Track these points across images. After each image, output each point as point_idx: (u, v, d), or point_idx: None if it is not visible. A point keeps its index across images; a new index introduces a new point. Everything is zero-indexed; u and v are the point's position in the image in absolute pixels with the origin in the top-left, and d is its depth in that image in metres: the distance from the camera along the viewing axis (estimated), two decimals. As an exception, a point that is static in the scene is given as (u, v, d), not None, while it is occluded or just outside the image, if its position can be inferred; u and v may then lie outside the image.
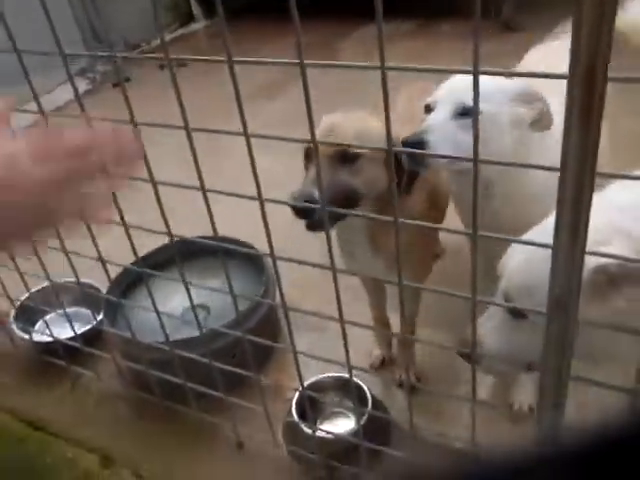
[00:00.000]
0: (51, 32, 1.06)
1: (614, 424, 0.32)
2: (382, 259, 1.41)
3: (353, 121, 1.28)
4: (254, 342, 1.34)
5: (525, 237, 0.98)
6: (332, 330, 1.47)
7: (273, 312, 1.82)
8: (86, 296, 1.83)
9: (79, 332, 1.73)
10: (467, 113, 1.19)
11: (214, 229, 1.13)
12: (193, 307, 1.32)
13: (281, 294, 1.15)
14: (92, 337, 1.82)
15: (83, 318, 1.90)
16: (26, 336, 1.86)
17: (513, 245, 1.02)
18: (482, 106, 1.12)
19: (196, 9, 4.87)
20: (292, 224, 1.23)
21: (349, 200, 1.24)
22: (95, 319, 1.83)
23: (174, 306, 1.81)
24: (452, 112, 1.22)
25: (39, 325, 1.90)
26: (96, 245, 1.34)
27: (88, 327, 1.83)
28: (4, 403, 1.80)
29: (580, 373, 0.90)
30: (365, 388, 1.46)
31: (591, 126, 0.66)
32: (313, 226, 1.21)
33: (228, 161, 1.71)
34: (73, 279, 1.53)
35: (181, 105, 0.96)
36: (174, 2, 4.78)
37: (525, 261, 0.97)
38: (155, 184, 1.12)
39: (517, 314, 0.99)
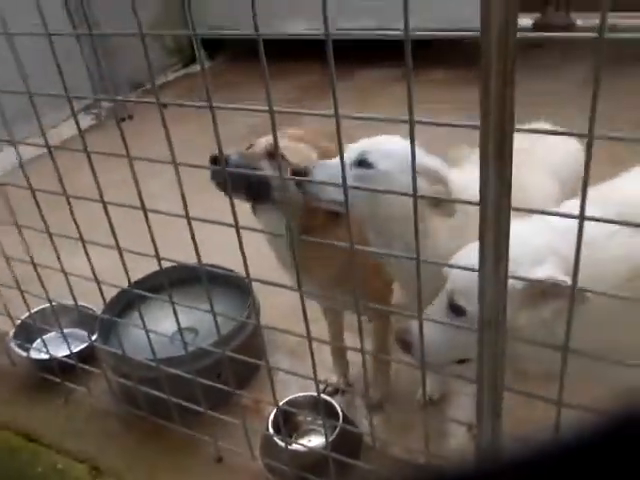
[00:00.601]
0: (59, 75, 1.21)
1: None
2: (316, 285, 1.51)
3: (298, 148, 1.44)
4: (236, 362, 1.46)
5: (459, 255, 1.12)
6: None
7: (256, 335, 1.94)
8: (83, 318, 1.96)
9: (74, 350, 1.85)
10: (363, 164, 1.27)
11: (198, 256, 1.27)
12: (179, 328, 1.45)
13: (257, 313, 1.28)
14: (86, 356, 1.93)
15: (78, 338, 2.02)
16: (24, 353, 1.98)
17: (459, 253, 1.14)
18: (382, 163, 1.24)
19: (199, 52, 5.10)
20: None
21: (260, 185, 1.37)
22: (90, 339, 1.95)
23: (165, 328, 1.92)
24: (352, 160, 1.28)
25: (37, 343, 2.02)
26: (92, 268, 1.48)
27: (83, 346, 1.95)
28: (0, 416, 1.91)
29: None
30: (336, 405, 1.58)
31: (504, 168, 0.80)
32: (221, 185, 1.31)
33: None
34: (71, 301, 1.67)
35: (169, 142, 1.11)
36: (178, 45, 5.01)
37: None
38: (146, 211, 1.25)
39: (456, 311, 1.11)
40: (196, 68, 5.10)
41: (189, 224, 1.20)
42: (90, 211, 1.44)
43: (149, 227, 1.28)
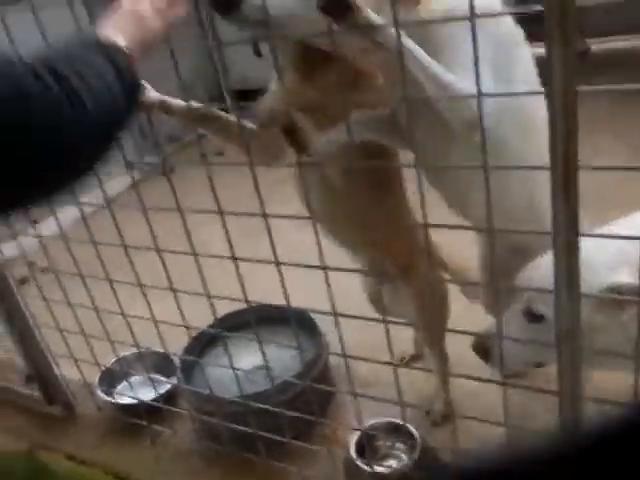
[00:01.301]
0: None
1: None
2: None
3: None
4: (315, 393, 1.59)
5: (533, 265, 1.24)
6: (382, 385, 1.73)
7: (327, 370, 2.06)
8: (158, 362, 2.12)
9: (160, 392, 1.99)
10: None
11: (245, 297, 1.43)
12: (267, 363, 1.58)
13: (341, 342, 1.40)
14: (167, 398, 2.07)
15: (158, 381, 2.16)
16: (109, 399, 2.12)
17: (534, 262, 1.25)
18: None
19: (230, 103, 5.34)
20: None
21: None
22: (170, 381, 2.09)
23: (240, 367, 2.06)
24: None
25: (121, 388, 2.16)
26: (153, 319, 1.63)
27: (167, 388, 2.09)
28: (91, 458, 2.05)
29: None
30: (412, 429, 1.68)
31: (571, 197, 0.93)
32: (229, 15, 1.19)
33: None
34: (149, 347, 1.83)
35: (214, 191, 1.26)
36: (210, 98, 5.25)
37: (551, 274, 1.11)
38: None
39: (535, 317, 1.22)
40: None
41: (235, 264, 1.34)
42: (150, 261, 1.60)
43: (200, 271, 1.43)
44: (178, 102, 1.48)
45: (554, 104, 0.87)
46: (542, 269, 1.19)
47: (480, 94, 0.90)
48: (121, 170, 1.55)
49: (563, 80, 0.84)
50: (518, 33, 1.27)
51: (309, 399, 1.69)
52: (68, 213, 1.90)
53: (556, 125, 0.88)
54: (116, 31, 0.96)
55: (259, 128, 1.44)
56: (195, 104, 1.47)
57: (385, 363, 1.33)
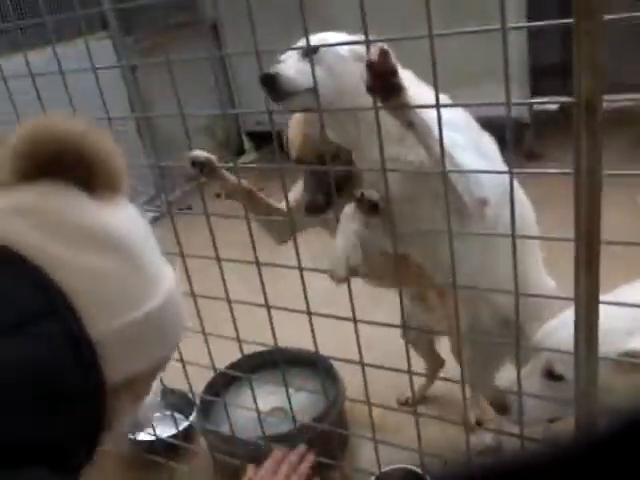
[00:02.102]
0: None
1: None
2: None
3: None
4: (331, 437, 1.64)
5: (552, 325, 1.31)
6: (392, 429, 1.78)
7: (344, 413, 2.11)
8: (175, 400, 2.18)
9: (179, 429, 2.04)
10: (313, 52, 1.33)
11: (275, 340, 1.49)
12: (291, 407, 1.64)
13: (366, 391, 1.46)
14: (185, 436, 2.12)
15: (173, 419, 2.21)
16: (130, 435, 2.17)
17: (551, 324, 1.32)
18: (326, 47, 1.38)
19: (247, 144, 5.48)
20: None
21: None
22: (188, 420, 2.14)
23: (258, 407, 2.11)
24: (300, 53, 1.38)
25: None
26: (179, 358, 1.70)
27: (185, 425, 2.14)
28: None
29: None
30: (426, 477, 1.73)
31: (593, 271, 1.01)
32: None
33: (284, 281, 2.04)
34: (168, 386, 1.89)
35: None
36: (228, 138, 5.39)
37: (569, 337, 1.15)
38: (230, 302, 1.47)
39: (554, 377, 1.28)
40: (244, 160, 5.47)
41: (268, 311, 1.41)
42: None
43: (233, 319, 1.50)
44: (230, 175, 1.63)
45: (580, 182, 0.95)
46: (561, 331, 1.26)
47: (511, 172, 0.99)
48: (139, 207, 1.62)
49: (589, 162, 0.93)
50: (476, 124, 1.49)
51: (327, 442, 1.75)
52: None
53: (581, 202, 0.96)
54: None
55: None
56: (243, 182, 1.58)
57: (410, 412, 1.39)
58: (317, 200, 1.57)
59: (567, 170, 0.95)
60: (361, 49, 1.37)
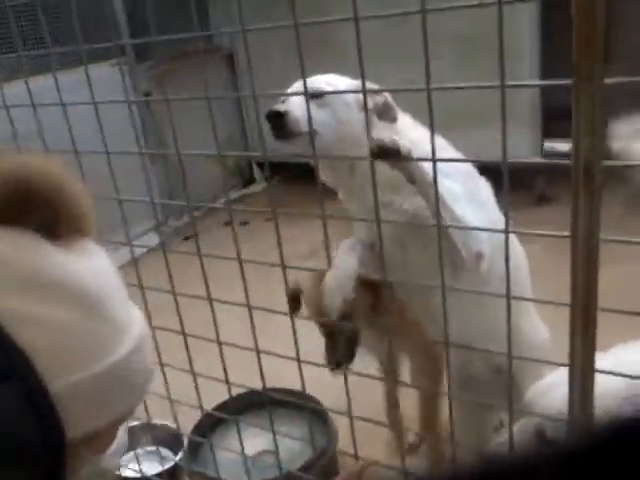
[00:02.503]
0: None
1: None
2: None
3: None
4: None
5: (544, 386, 1.26)
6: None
7: (335, 460, 2.05)
8: (165, 436, 2.13)
9: (165, 467, 1.99)
10: (319, 96, 1.37)
11: (263, 383, 1.47)
12: (277, 451, 1.59)
13: (354, 445, 1.42)
14: (172, 473, 2.07)
15: (162, 456, 2.16)
16: (116, 471, 2.12)
17: (544, 382, 1.27)
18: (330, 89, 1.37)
19: (257, 174, 5.49)
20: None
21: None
22: (176, 459, 2.09)
23: (245, 451, 2.05)
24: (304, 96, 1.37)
25: (127, 458, 2.16)
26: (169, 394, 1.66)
27: (171, 464, 2.09)
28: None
29: None
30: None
31: (589, 338, 0.96)
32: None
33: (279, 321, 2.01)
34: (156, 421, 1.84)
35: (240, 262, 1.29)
36: (239, 168, 5.40)
37: (562, 399, 1.11)
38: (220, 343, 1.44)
39: (546, 442, 1.22)
40: (254, 189, 5.47)
41: (257, 354, 1.37)
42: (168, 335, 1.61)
43: (222, 359, 1.46)
44: None
45: (577, 248, 0.91)
46: (555, 391, 1.21)
47: (507, 231, 0.96)
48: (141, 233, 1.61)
49: (587, 228, 0.89)
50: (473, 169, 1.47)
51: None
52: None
53: (577, 267, 0.93)
54: None
55: None
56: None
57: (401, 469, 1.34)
58: (338, 359, 1.61)
59: (564, 233, 0.91)
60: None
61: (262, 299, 1.38)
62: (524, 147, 4.16)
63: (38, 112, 1.54)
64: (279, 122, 1.33)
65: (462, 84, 0.92)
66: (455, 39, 3.95)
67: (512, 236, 1.41)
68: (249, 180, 5.47)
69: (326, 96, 1.38)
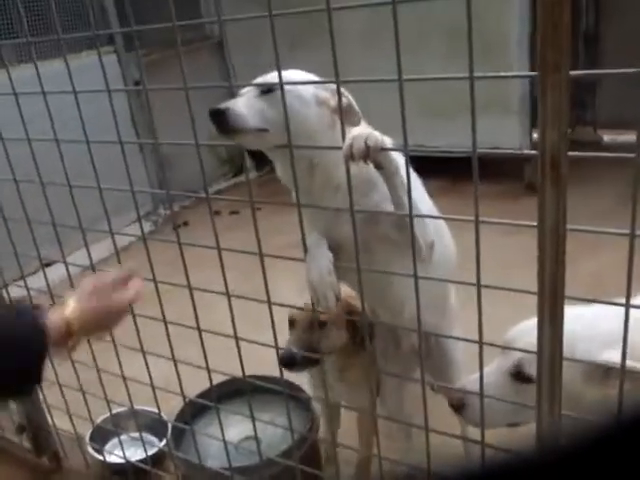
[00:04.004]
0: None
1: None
2: (345, 385, 1.88)
3: None
4: (304, 471, 1.61)
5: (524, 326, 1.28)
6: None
7: (316, 447, 2.08)
8: (150, 422, 2.14)
9: (150, 454, 2.00)
10: (270, 90, 1.36)
11: (243, 370, 1.53)
12: (257, 437, 1.61)
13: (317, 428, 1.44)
14: (156, 460, 2.09)
15: (148, 442, 2.17)
16: (99, 457, 2.14)
17: (526, 322, 1.27)
18: (287, 87, 1.29)
19: (249, 162, 5.48)
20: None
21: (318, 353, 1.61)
22: (160, 445, 2.11)
23: (230, 437, 2.07)
24: (257, 91, 1.39)
25: (111, 445, 2.18)
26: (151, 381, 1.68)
27: (155, 451, 2.11)
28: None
29: None
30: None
31: (557, 324, 0.98)
32: (293, 369, 1.67)
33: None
34: (142, 407, 1.86)
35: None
36: (230, 156, 5.40)
37: None
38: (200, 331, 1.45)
39: (522, 379, 1.24)
40: (245, 178, 5.47)
41: (237, 342, 1.39)
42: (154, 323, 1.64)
43: (202, 345, 1.47)
44: None
45: (544, 238, 0.93)
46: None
47: (477, 221, 0.97)
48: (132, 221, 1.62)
49: (554, 219, 0.90)
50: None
51: (295, 476, 1.71)
52: (76, 262, 1.90)
53: (545, 257, 0.94)
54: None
55: None
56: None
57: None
58: (294, 356, 1.66)
59: (532, 223, 0.93)
60: (325, 94, 1.41)
61: (257, 287, 1.41)
62: (514, 136, 4.18)
63: (20, 101, 1.55)
64: (219, 119, 1.34)
65: (432, 76, 0.93)
66: (443, 30, 3.95)
67: (444, 226, 1.57)
68: (241, 169, 5.46)
69: (277, 92, 1.30)
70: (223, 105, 1.36)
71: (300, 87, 1.40)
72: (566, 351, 1.01)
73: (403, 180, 1.20)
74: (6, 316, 1.27)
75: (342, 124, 1.10)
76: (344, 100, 1.32)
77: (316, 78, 1.42)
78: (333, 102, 1.39)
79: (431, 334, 1.58)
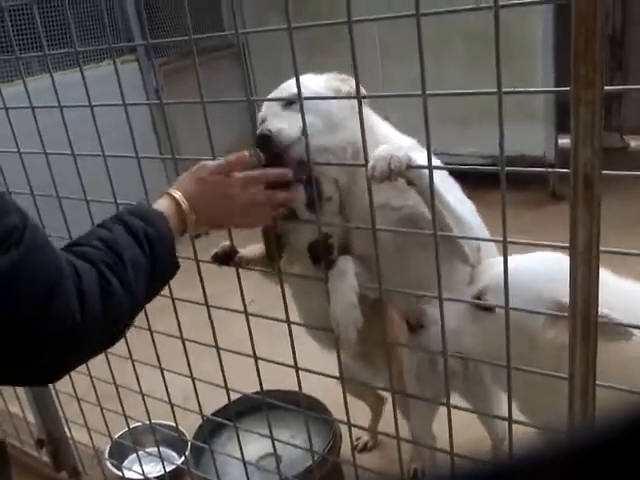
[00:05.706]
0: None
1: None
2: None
3: None
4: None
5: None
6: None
7: (338, 464, 2.03)
8: (169, 436, 2.11)
9: (168, 470, 1.98)
10: (294, 102, 1.33)
11: (261, 386, 1.50)
12: (276, 455, 1.57)
13: (353, 454, 1.40)
14: (175, 476, 2.06)
15: (166, 458, 2.14)
16: (118, 473, 2.11)
17: (493, 259, 1.26)
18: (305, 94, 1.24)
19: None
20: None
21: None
22: (178, 463, 2.08)
23: (250, 454, 2.04)
24: (281, 105, 1.39)
25: (130, 460, 2.16)
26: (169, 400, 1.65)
27: (173, 467, 2.08)
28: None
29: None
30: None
31: (590, 348, 0.93)
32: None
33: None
34: (161, 421, 1.84)
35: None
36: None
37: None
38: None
39: (485, 308, 1.21)
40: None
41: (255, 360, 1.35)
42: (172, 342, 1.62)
43: (220, 363, 1.44)
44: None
45: (576, 259, 0.88)
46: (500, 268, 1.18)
47: (505, 241, 0.93)
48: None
49: (586, 241, 0.86)
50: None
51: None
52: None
53: (577, 278, 0.89)
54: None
55: None
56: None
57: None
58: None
59: (563, 244, 0.88)
60: (336, 82, 1.41)
61: (276, 297, 1.38)
62: (539, 143, 4.10)
63: (37, 112, 1.55)
64: (268, 142, 1.33)
65: (458, 91, 0.89)
66: (464, 34, 3.90)
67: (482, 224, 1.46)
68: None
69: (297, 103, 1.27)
70: (265, 129, 1.35)
71: (314, 86, 1.40)
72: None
73: (439, 195, 1.16)
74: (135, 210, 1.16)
75: (363, 139, 1.05)
76: (351, 83, 1.30)
77: (331, 76, 1.42)
78: (347, 87, 1.37)
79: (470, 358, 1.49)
